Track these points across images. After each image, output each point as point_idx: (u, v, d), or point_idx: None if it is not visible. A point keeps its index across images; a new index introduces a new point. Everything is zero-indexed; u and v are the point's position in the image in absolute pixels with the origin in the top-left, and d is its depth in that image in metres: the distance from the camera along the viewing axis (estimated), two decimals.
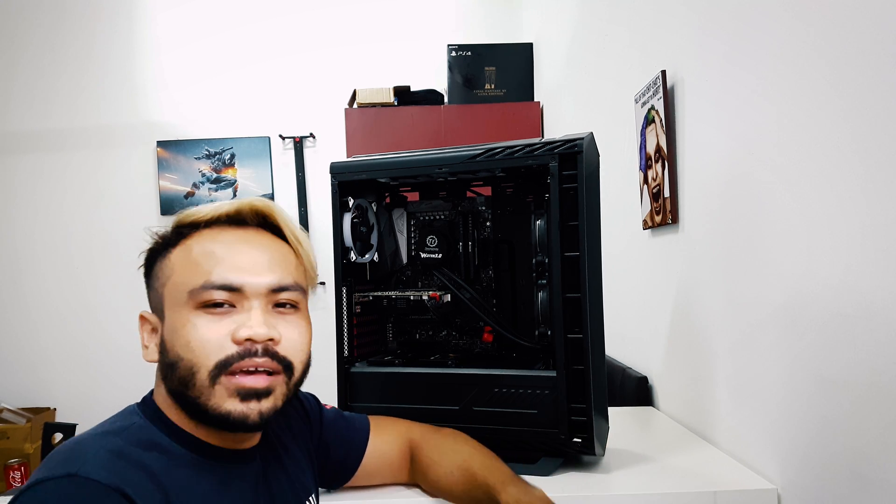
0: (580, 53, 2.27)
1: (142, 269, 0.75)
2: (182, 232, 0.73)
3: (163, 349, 0.69)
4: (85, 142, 3.49)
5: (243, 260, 0.70)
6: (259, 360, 0.67)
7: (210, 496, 0.68)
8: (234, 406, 0.67)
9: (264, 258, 0.71)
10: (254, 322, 0.68)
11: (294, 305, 0.73)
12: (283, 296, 0.72)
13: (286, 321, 0.71)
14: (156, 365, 0.72)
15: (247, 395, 0.67)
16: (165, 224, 0.75)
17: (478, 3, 3.49)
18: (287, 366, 0.70)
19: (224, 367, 0.66)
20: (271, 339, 0.68)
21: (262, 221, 0.75)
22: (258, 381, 0.68)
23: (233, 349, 0.67)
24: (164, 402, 0.70)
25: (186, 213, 0.74)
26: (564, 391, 0.98)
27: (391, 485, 0.96)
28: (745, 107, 1.05)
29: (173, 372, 0.67)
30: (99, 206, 3.49)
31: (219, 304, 0.68)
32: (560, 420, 0.99)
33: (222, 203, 0.74)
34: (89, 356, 3.47)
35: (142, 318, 0.73)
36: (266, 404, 0.68)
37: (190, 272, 0.69)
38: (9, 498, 0.60)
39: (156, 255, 0.73)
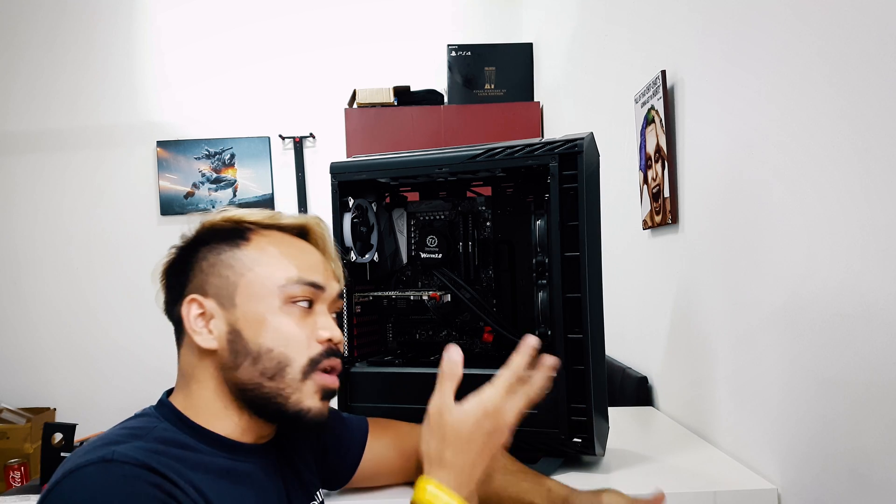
0: (580, 53, 2.28)
1: (172, 254, 0.75)
2: (248, 227, 0.75)
3: (235, 338, 0.70)
4: (85, 142, 3.49)
5: (318, 266, 0.76)
6: (337, 361, 0.74)
7: (235, 490, 0.69)
8: (314, 403, 0.71)
9: (329, 267, 0.78)
10: (331, 325, 0.74)
11: (339, 314, 0.80)
12: (339, 304, 0.78)
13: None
14: (174, 366, 0.73)
15: (328, 394, 0.73)
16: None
17: (478, 3, 3.49)
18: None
19: (315, 364, 0.71)
20: (339, 342, 0.74)
21: (301, 232, 0.79)
22: (336, 382, 0.74)
23: (318, 348, 0.72)
24: (186, 401, 0.71)
25: (238, 212, 0.76)
26: (564, 391, 0.98)
27: (390, 485, 0.96)
28: (745, 107, 1.05)
29: (256, 363, 0.69)
30: (99, 206, 3.49)
31: (304, 301, 0.72)
32: (560, 420, 0.99)
33: (277, 212, 0.79)
34: (89, 356, 3.47)
35: (194, 301, 0.71)
36: (331, 402, 0.75)
37: (279, 267, 0.72)
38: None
39: (208, 243, 0.73)
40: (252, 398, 0.70)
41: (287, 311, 0.71)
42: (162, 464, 0.61)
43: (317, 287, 0.73)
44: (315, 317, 0.73)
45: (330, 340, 0.72)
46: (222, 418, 0.71)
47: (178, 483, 0.61)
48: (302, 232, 0.79)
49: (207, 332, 0.71)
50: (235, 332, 0.70)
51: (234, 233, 0.74)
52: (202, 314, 0.71)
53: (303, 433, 0.86)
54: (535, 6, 3.11)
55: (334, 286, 0.76)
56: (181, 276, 0.73)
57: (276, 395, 0.69)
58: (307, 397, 0.70)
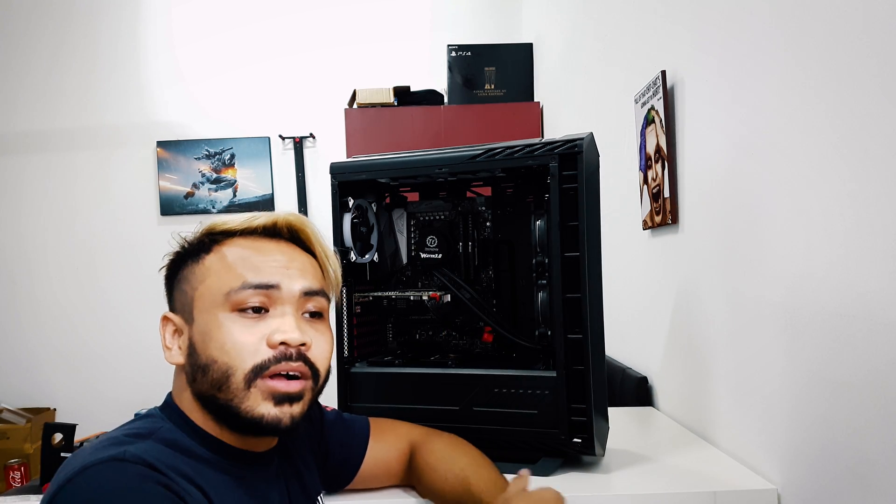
0: (580, 53, 2.28)
1: (163, 272, 0.76)
2: (216, 239, 0.74)
3: (192, 351, 0.70)
4: (85, 142, 3.50)
5: (278, 265, 0.72)
6: (294, 364, 0.69)
7: (237, 496, 0.69)
8: (267, 410, 0.68)
9: (297, 265, 0.74)
10: (288, 327, 0.69)
11: (320, 314, 0.75)
12: (313, 302, 0.74)
13: (314, 329, 0.73)
14: (173, 368, 0.73)
15: (281, 399, 0.69)
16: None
17: (478, 3, 3.49)
18: (315, 372, 0.72)
19: (260, 371, 0.68)
20: (303, 344, 0.70)
21: (293, 236, 0.78)
22: (292, 386, 0.69)
23: (268, 353, 0.69)
24: (189, 406, 0.71)
25: (218, 221, 0.76)
26: (564, 391, 0.98)
27: (389, 486, 0.96)
28: (746, 107, 1.05)
29: (205, 374, 0.68)
30: (99, 206, 3.49)
31: (254, 310, 0.70)
32: (560, 420, 0.99)
33: (256, 214, 0.77)
34: (89, 356, 3.47)
35: (165, 318, 0.74)
36: (297, 408, 0.70)
37: (226, 275, 0.70)
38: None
39: (184, 260, 0.74)
40: (213, 409, 0.69)
41: (236, 319, 0.69)
42: (168, 466, 0.62)
43: (268, 287, 0.70)
44: (273, 320, 0.70)
45: (285, 344, 0.69)
46: (212, 427, 0.71)
47: (183, 486, 0.61)
48: (272, 231, 0.77)
49: (177, 347, 0.72)
50: (192, 346, 0.70)
51: (200, 246, 0.74)
52: (176, 331, 0.73)
53: (303, 436, 0.86)
54: (535, 6, 3.11)
55: (295, 284, 0.72)
56: (167, 292, 0.76)
57: (228, 405, 0.68)
58: (257, 404, 0.68)
